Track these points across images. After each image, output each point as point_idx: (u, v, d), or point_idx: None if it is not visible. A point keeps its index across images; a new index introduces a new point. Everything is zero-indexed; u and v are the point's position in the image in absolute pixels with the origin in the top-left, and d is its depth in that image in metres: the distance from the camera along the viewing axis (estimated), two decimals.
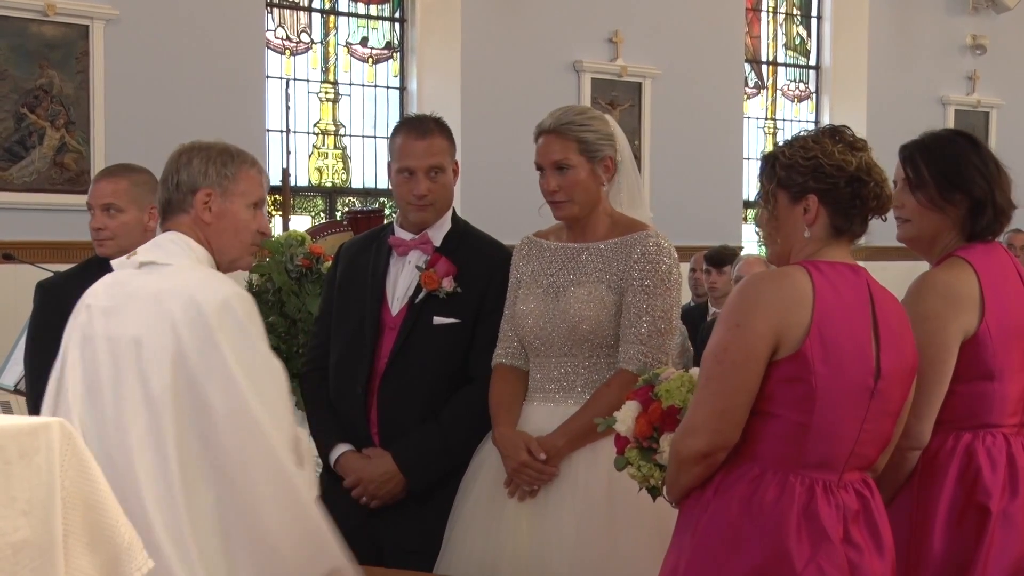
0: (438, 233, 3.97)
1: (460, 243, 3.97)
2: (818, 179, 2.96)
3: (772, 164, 3.03)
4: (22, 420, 2.63)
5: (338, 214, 9.38)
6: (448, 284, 3.87)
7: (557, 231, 3.88)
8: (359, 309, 3.95)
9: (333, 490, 3.97)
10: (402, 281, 3.96)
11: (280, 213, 8.71)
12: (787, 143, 3.05)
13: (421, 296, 3.89)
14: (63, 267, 4.64)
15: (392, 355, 3.88)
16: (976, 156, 3.37)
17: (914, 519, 3.29)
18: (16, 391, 5.90)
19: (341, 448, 3.92)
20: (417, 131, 3.93)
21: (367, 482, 3.86)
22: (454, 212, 4.05)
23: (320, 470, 4.11)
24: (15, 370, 5.79)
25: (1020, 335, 3.35)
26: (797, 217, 3.00)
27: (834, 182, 2.96)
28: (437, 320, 3.85)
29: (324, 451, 3.97)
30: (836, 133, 3.03)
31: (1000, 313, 3.31)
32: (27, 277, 4.49)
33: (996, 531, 3.24)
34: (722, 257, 7.47)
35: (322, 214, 9.65)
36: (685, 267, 7.12)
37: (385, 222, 4.46)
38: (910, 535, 3.28)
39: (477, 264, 3.91)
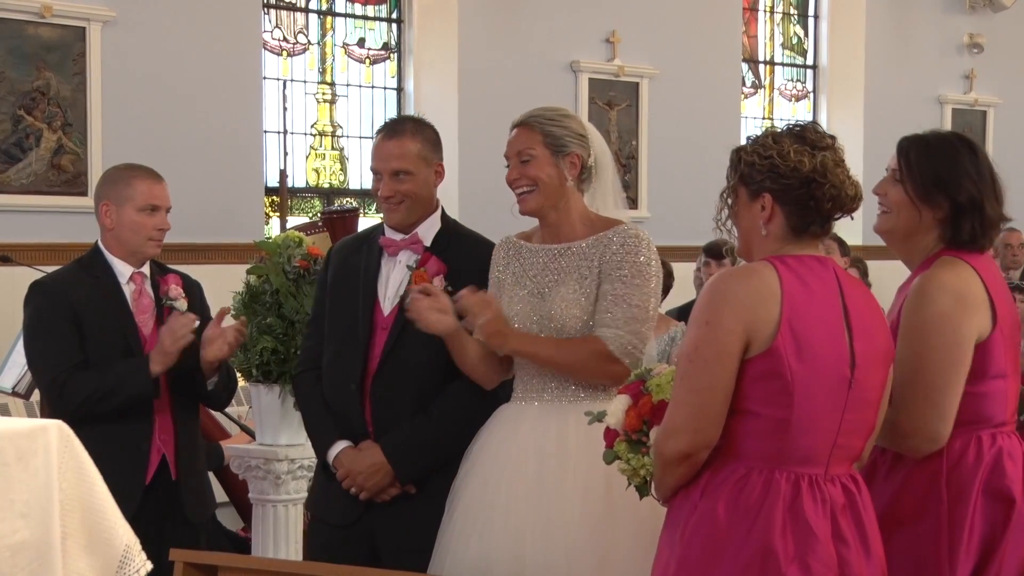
0: (428, 232, 3.97)
1: (451, 242, 3.98)
2: (773, 179, 2.98)
3: (738, 159, 3.05)
4: (20, 423, 2.63)
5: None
6: (439, 283, 3.87)
7: (537, 233, 3.88)
8: (351, 310, 3.96)
9: (328, 489, 3.99)
10: (393, 281, 3.97)
11: (278, 214, 8.70)
12: (753, 139, 3.06)
13: None
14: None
15: (384, 354, 3.91)
16: (971, 163, 3.29)
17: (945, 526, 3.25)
18: (14, 393, 5.89)
19: (340, 445, 3.92)
20: (388, 132, 3.96)
21: (356, 473, 3.87)
22: (443, 211, 4.06)
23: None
24: (13, 372, 5.79)
25: (1014, 335, 3.36)
26: (755, 214, 3.02)
27: (788, 183, 2.97)
28: None
29: (323, 448, 3.98)
30: (800, 132, 3.02)
31: (1004, 314, 3.31)
32: (25, 279, 4.47)
33: (1019, 522, 3.24)
34: (721, 249, 7.45)
35: (320, 215, 9.63)
36: (684, 266, 7.13)
37: (360, 220, 4.44)
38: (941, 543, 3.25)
39: (468, 263, 3.92)
